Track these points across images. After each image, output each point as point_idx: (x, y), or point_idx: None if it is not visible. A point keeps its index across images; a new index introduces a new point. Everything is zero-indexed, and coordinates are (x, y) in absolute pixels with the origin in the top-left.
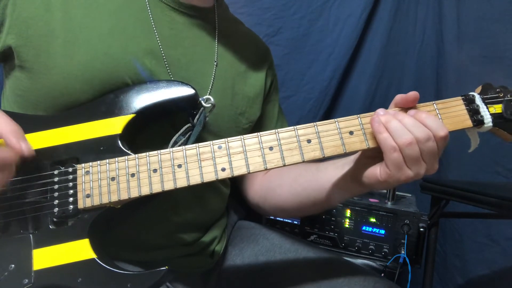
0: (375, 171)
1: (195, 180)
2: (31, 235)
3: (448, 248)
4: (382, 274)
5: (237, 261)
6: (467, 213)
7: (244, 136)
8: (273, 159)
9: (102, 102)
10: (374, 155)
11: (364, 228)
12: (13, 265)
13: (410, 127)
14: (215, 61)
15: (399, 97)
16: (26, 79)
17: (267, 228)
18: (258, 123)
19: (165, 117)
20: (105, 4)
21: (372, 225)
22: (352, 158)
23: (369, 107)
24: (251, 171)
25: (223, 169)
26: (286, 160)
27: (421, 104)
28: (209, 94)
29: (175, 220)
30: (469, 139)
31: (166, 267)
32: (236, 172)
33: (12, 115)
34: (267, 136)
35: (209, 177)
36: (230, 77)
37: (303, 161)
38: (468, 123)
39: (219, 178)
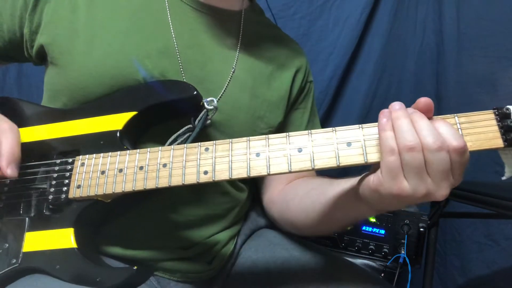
0: (369, 178)
1: (176, 181)
2: (27, 218)
3: (448, 248)
4: (382, 274)
5: (245, 273)
6: (467, 213)
7: (233, 140)
8: (257, 166)
9: (110, 99)
10: None
11: (364, 228)
12: (7, 245)
13: (421, 130)
14: (234, 62)
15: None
16: (54, 74)
17: (288, 239)
18: (282, 130)
19: (167, 116)
20: (126, 6)
21: (372, 225)
22: (363, 174)
23: (369, 107)
24: (233, 177)
25: (205, 172)
26: (271, 168)
27: (441, 116)
28: (223, 94)
29: (170, 221)
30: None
31: (135, 267)
32: (218, 177)
33: (27, 104)
34: (256, 142)
35: (191, 179)
36: (249, 79)
37: (290, 172)
38: (498, 142)
39: (200, 181)
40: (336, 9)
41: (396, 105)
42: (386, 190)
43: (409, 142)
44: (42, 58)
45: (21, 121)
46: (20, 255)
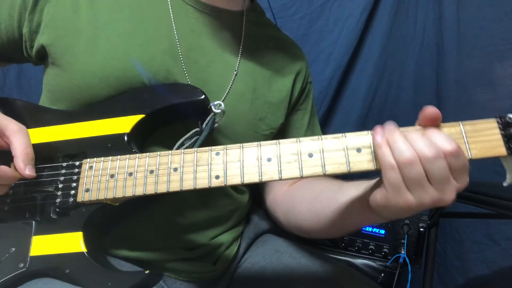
0: (376, 195)
1: (188, 185)
2: (34, 221)
3: (448, 248)
4: (382, 274)
5: (251, 277)
6: (467, 213)
7: (244, 144)
8: (268, 171)
9: (117, 101)
10: None
11: (364, 228)
12: (14, 249)
13: (415, 142)
14: (237, 64)
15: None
16: (55, 75)
17: (294, 246)
18: (283, 131)
19: (175, 119)
20: (129, 6)
21: (372, 225)
22: (374, 180)
23: (369, 107)
24: (245, 182)
25: (217, 177)
26: (283, 173)
27: (446, 123)
28: (226, 96)
29: (175, 223)
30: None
31: (147, 271)
32: (230, 182)
33: (32, 106)
34: (267, 147)
35: (202, 183)
36: (251, 81)
37: (301, 177)
38: (501, 150)
39: (212, 186)
40: (336, 9)
41: (389, 124)
42: (393, 205)
43: (406, 156)
44: (42, 58)
45: (25, 123)
46: (28, 259)
